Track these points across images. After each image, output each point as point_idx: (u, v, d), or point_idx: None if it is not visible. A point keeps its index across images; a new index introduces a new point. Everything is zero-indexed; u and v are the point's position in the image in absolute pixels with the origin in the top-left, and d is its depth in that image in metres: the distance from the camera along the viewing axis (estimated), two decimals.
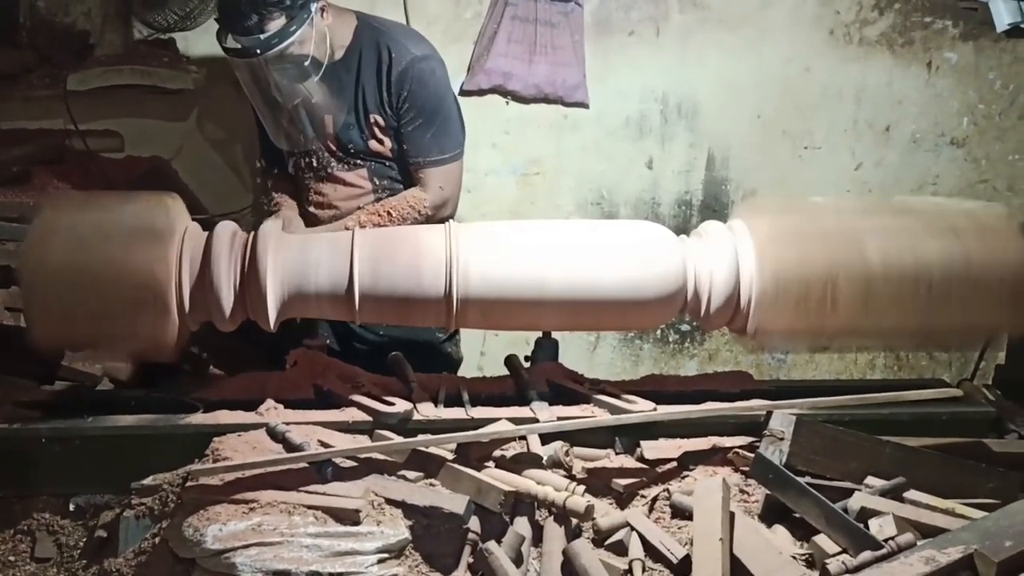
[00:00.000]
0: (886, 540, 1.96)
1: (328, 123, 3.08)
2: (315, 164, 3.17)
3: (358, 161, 3.14)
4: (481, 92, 4.10)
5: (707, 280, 2.46)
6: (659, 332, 4.50)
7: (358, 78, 3.06)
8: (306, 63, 2.92)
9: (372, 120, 3.08)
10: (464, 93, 4.08)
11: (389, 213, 3.02)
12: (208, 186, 3.92)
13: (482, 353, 4.23)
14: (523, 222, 2.72)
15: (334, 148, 3.14)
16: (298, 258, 2.38)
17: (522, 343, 3.46)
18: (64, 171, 3.49)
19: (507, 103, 4.15)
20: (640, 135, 4.29)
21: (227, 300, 2.33)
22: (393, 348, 2.81)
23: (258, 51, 2.84)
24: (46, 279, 2.26)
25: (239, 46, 2.86)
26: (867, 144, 4.39)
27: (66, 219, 2.33)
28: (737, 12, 4.19)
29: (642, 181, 4.35)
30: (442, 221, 2.91)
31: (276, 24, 2.83)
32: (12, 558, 2.30)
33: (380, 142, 3.10)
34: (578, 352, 4.31)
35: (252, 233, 2.40)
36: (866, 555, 1.93)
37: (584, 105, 4.18)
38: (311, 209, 3.21)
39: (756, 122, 4.33)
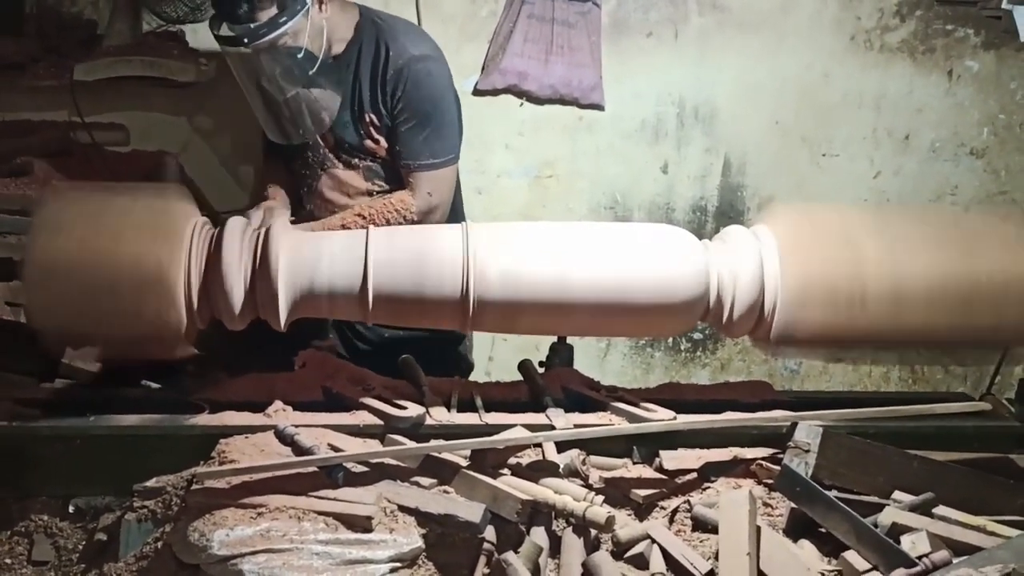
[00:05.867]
0: (920, 557, 1.90)
1: (323, 119, 3.00)
2: (313, 160, 3.10)
3: (355, 159, 3.07)
4: (495, 92, 4.04)
5: (731, 286, 2.39)
6: (671, 340, 4.43)
7: (356, 74, 2.98)
8: (299, 55, 2.85)
9: (368, 119, 3.00)
10: (478, 93, 4.03)
11: (372, 217, 2.93)
12: (215, 182, 3.87)
13: (490, 358, 4.17)
14: (543, 223, 2.66)
15: (331, 144, 3.07)
16: (311, 256, 2.31)
17: (532, 348, 3.40)
18: (68, 164, 3.44)
19: (521, 104, 4.09)
20: (656, 139, 4.23)
21: (237, 298, 2.27)
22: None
23: (246, 40, 2.78)
24: (50, 272, 2.19)
25: (230, 34, 2.80)
26: (886, 152, 4.34)
27: (71, 211, 2.27)
28: (757, 16, 4.14)
29: (657, 185, 4.29)
30: None
31: (267, 14, 2.76)
32: (9, 561, 2.23)
33: (375, 141, 3.03)
34: (588, 359, 4.23)
35: (264, 229, 2.34)
36: (899, 573, 1.88)
37: (600, 107, 4.11)
38: (309, 206, 3.14)
39: (774, 128, 4.27)
